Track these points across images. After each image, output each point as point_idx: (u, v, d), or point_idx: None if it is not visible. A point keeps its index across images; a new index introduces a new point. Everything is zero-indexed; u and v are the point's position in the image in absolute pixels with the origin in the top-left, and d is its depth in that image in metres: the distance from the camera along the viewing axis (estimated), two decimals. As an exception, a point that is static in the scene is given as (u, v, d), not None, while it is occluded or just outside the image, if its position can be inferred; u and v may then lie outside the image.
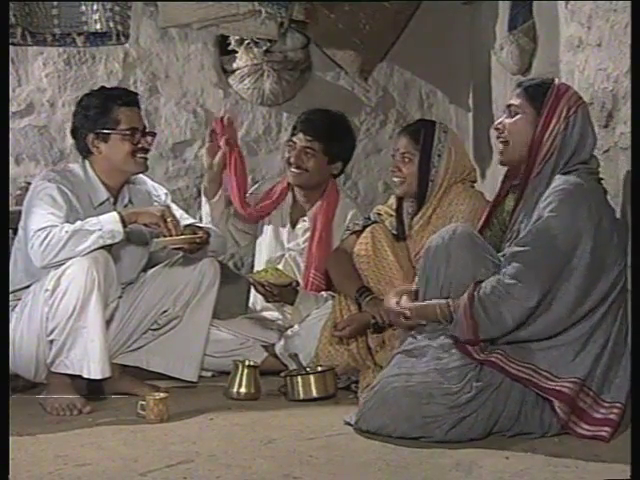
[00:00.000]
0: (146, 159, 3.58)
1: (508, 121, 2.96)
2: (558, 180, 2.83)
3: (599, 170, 2.94)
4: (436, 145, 3.47)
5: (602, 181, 2.96)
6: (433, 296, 2.92)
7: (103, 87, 3.73)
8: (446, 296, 2.89)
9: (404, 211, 3.59)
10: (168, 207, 3.60)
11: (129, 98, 3.57)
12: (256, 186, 4.28)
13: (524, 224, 2.87)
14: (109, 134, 3.50)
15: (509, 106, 2.97)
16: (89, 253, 3.26)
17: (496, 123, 3.01)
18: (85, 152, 3.57)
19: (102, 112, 3.50)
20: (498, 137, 3.00)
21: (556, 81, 2.96)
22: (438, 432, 2.75)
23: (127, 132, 3.50)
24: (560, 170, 2.86)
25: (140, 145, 3.53)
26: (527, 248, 2.79)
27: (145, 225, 3.45)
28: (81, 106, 3.58)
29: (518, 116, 2.94)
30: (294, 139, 4.03)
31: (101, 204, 3.53)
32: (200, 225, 3.67)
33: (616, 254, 2.83)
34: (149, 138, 3.59)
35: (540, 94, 2.91)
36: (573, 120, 2.87)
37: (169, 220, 3.40)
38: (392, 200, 3.67)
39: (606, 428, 2.76)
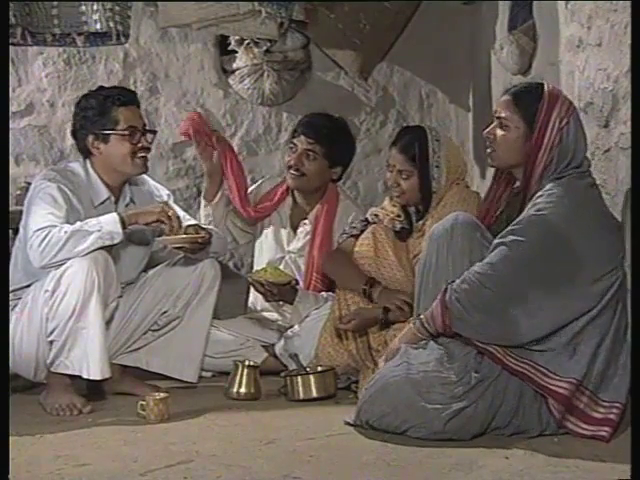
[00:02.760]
0: (146, 160, 3.57)
1: (499, 133, 2.92)
2: (547, 185, 2.83)
3: (590, 170, 2.91)
4: (432, 157, 3.45)
5: (596, 181, 2.95)
6: (433, 282, 2.93)
7: (101, 87, 3.71)
8: (445, 282, 2.89)
9: (410, 213, 3.59)
10: (166, 203, 3.60)
11: (127, 97, 3.56)
12: (256, 185, 4.28)
13: None
14: (108, 135, 3.49)
15: (499, 118, 2.92)
16: (88, 254, 3.26)
17: (487, 131, 2.96)
18: (85, 153, 3.57)
19: (100, 113, 3.49)
20: (489, 145, 2.97)
21: (545, 88, 2.88)
22: (437, 422, 2.76)
23: (126, 132, 3.49)
24: (549, 175, 2.84)
25: (140, 145, 3.52)
26: (505, 239, 2.79)
27: (146, 224, 3.44)
28: (80, 107, 3.57)
29: (509, 130, 2.89)
30: (295, 141, 4.01)
31: (102, 203, 3.53)
32: (202, 226, 3.66)
33: (610, 254, 2.82)
34: (149, 136, 3.59)
35: (530, 105, 2.85)
36: (566, 131, 2.83)
37: (170, 213, 3.41)
38: (386, 202, 3.66)
39: (606, 428, 2.76)
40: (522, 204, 2.90)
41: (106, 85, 3.91)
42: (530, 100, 2.87)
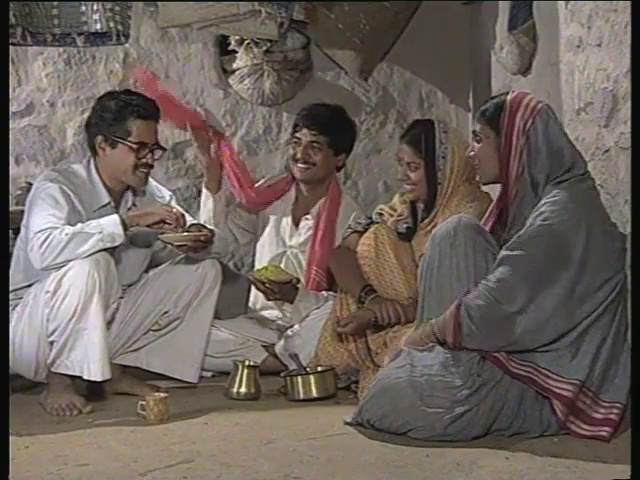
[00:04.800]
0: (147, 174, 3.56)
1: (476, 148, 3.00)
2: (550, 191, 2.84)
3: (589, 172, 2.92)
4: (439, 148, 3.46)
5: (596, 182, 2.96)
6: (436, 285, 2.93)
7: (128, 91, 3.65)
8: (449, 285, 2.90)
9: (418, 212, 3.59)
10: (168, 204, 3.61)
11: (147, 111, 3.52)
12: (258, 184, 4.27)
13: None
14: (117, 142, 3.49)
15: (473, 133, 3.02)
16: (89, 256, 3.26)
17: (468, 151, 3.06)
18: (92, 150, 3.57)
19: (116, 118, 3.48)
20: (473, 164, 3.05)
21: (508, 98, 2.93)
22: (438, 425, 2.76)
23: (134, 145, 3.48)
24: (551, 180, 2.86)
25: (144, 160, 3.52)
26: (514, 253, 2.79)
27: (148, 226, 3.44)
28: (99, 105, 3.56)
29: (482, 142, 2.97)
30: (299, 135, 4.04)
31: (103, 206, 3.52)
32: (205, 225, 3.66)
33: (612, 259, 2.83)
34: (157, 153, 3.57)
35: (495, 114, 2.93)
36: (534, 131, 2.87)
37: (174, 211, 3.41)
38: (395, 199, 3.66)
39: (606, 428, 2.76)
40: (507, 212, 2.94)
41: (123, 89, 3.83)
42: (494, 109, 2.95)
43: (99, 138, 3.51)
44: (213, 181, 4.09)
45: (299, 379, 3.40)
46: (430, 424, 2.77)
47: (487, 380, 2.80)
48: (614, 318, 2.83)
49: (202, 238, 3.48)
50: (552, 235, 2.78)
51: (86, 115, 4.61)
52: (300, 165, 4.03)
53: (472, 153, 3.02)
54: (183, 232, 3.45)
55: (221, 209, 4.10)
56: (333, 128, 4.03)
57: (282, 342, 3.82)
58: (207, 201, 4.11)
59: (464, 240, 2.91)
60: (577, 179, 2.87)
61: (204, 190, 4.14)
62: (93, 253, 3.27)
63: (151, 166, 3.56)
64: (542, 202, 2.83)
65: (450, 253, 2.91)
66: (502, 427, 2.81)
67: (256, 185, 4.22)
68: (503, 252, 2.83)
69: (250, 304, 4.20)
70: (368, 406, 2.89)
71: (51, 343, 3.31)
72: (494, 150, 2.94)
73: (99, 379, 3.29)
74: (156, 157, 3.57)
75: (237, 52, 4.70)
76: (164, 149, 3.65)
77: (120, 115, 3.48)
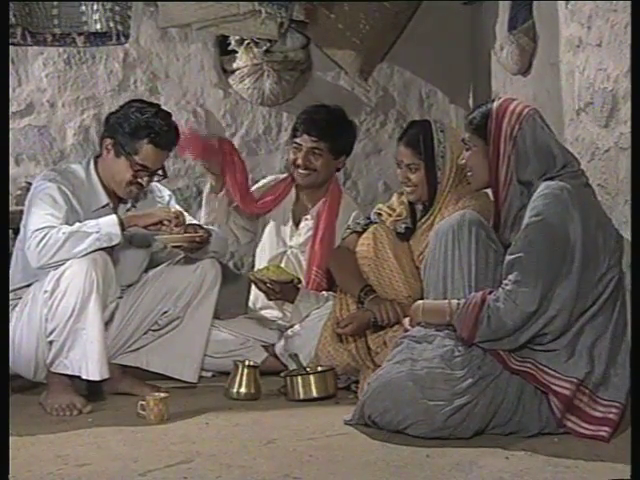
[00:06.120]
0: (138, 192, 3.56)
1: (467, 156, 3.03)
2: (541, 186, 2.86)
3: (582, 170, 2.93)
4: (437, 147, 3.46)
5: (596, 184, 2.97)
6: (437, 280, 2.96)
7: (158, 110, 3.53)
8: (450, 277, 2.92)
9: (416, 212, 3.59)
10: (167, 205, 3.61)
11: (163, 141, 3.48)
12: (260, 184, 4.27)
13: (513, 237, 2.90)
14: (122, 154, 3.48)
15: (462, 141, 3.05)
16: (86, 255, 3.26)
17: (460, 158, 3.10)
18: (100, 145, 3.57)
19: (131, 134, 3.45)
20: (466, 171, 3.08)
21: (494, 105, 2.95)
22: (439, 417, 2.77)
23: (135, 165, 3.47)
24: (542, 178, 2.87)
25: (138, 180, 3.51)
26: (520, 255, 2.80)
27: (146, 227, 3.44)
28: (125, 111, 3.51)
29: (472, 151, 3.00)
30: (299, 141, 4.02)
31: (101, 208, 3.52)
32: (202, 225, 3.66)
33: (605, 254, 2.83)
34: (155, 178, 3.56)
35: (482, 122, 2.95)
36: (521, 137, 2.89)
37: (173, 211, 3.42)
38: (394, 199, 3.67)
39: (605, 428, 2.76)
40: (498, 216, 2.96)
41: (156, 103, 3.71)
42: (481, 118, 2.96)
43: (109, 140, 3.51)
44: (218, 184, 4.05)
45: (299, 379, 3.40)
46: (430, 418, 2.77)
47: (487, 373, 2.82)
48: (611, 317, 2.84)
49: (197, 239, 3.48)
50: (546, 229, 2.79)
51: (86, 115, 4.70)
52: (301, 171, 4.03)
53: (463, 161, 3.05)
54: (179, 233, 3.45)
55: (223, 209, 4.09)
56: (333, 133, 4.01)
57: (282, 342, 3.82)
58: (210, 202, 4.09)
59: (468, 234, 2.93)
60: (569, 175, 2.88)
61: (206, 191, 4.12)
62: (90, 252, 3.26)
63: (143, 187, 3.54)
64: (533, 197, 2.85)
65: (454, 246, 2.94)
66: (501, 422, 2.82)
67: (256, 186, 4.21)
68: (507, 257, 2.84)
69: (250, 304, 4.20)
70: (369, 402, 2.90)
71: (50, 343, 3.31)
72: (483, 157, 2.96)
73: (97, 378, 3.29)
74: (154, 180, 3.57)
75: (237, 52, 4.70)
76: (165, 176, 3.62)
77: (136, 133, 3.45)
